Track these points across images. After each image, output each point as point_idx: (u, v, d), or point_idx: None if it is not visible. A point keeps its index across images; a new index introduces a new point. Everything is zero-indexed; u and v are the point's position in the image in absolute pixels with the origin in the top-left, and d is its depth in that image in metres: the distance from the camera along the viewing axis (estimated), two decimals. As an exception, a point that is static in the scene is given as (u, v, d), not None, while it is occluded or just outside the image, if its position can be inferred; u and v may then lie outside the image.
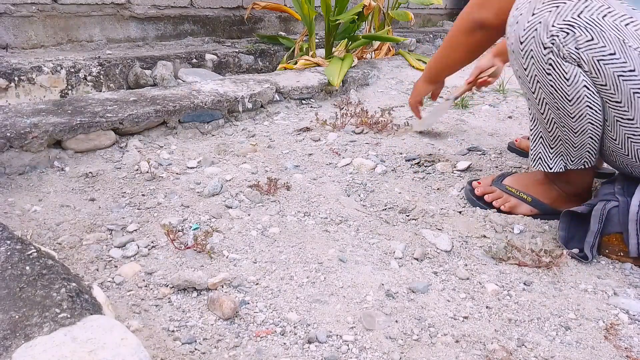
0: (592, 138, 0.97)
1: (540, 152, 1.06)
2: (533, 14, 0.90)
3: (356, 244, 1.00)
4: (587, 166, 1.03)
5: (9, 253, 0.74)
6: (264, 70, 2.75)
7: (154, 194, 1.17)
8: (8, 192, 1.13)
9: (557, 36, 0.88)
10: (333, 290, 0.85)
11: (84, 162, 1.31)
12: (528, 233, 1.05)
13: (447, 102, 1.68)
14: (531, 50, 0.92)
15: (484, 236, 1.04)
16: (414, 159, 1.42)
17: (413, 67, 2.66)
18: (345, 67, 2.22)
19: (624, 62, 0.86)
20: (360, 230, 1.06)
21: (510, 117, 1.94)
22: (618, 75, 0.87)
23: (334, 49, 2.61)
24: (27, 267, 0.71)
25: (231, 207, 1.12)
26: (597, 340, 0.75)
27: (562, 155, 1.03)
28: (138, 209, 1.10)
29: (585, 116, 0.94)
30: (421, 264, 0.94)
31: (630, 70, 0.86)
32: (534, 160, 1.08)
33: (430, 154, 1.47)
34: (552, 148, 1.04)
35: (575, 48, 0.87)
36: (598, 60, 0.87)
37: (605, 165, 1.36)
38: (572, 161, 1.03)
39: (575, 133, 0.97)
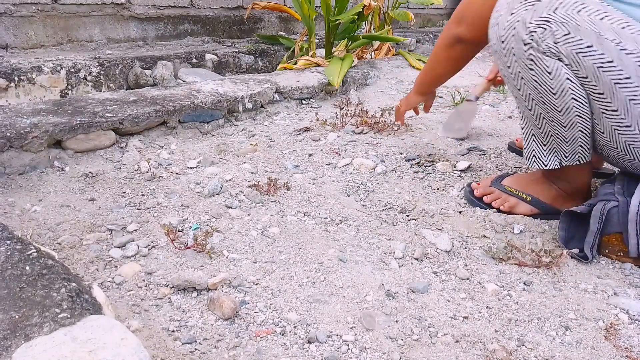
0: (582, 131, 0.98)
1: (534, 150, 1.08)
2: (511, 14, 0.94)
3: (356, 244, 1.00)
4: (582, 162, 1.04)
5: (9, 253, 0.74)
6: (264, 70, 2.75)
7: (154, 194, 1.17)
8: (8, 192, 1.13)
9: (535, 32, 0.91)
10: (333, 290, 0.85)
11: (84, 162, 1.31)
12: (528, 233, 1.05)
13: (471, 103, 1.65)
14: (512, 47, 0.95)
15: (484, 236, 1.04)
16: (414, 159, 1.42)
17: (413, 67, 2.66)
18: (345, 67, 2.22)
19: (601, 54, 0.88)
20: (360, 230, 1.06)
21: (510, 117, 1.94)
22: (597, 67, 0.89)
23: (334, 49, 2.61)
24: (27, 267, 0.71)
25: (231, 207, 1.12)
26: (597, 340, 0.75)
27: (555, 151, 1.04)
28: (138, 209, 1.10)
29: (571, 109, 0.95)
30: (421, 264, 0.94)
31: (609, 62, 0.88)
32: (529, 159, 1.09)
33: (430, 154, 1.47)
34: (545, 145, 1.05)
35: (554, 42, 0.90)
36: (577, 53, 0.90)
37: (605, 165, 1.36)
38: (567, 157, 1.03)
39: (565, 127, 0.98)
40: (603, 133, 0.97)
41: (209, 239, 0.97)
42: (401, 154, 1.48)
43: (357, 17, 2.43)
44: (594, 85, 0.91)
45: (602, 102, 0.92)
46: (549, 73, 0.93)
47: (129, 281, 0.85)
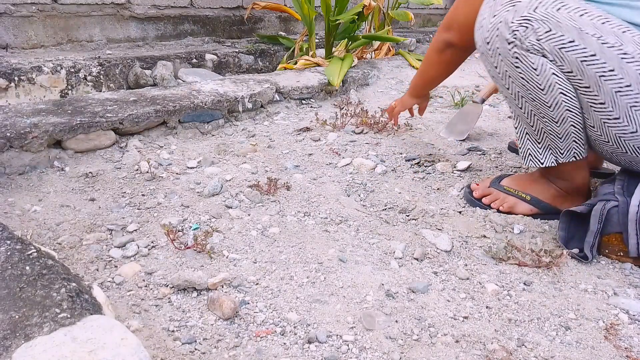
0: (574, 126, 1.00)
1: (529, 149, 1.09)
2: (494, 16, 0.97)
3: (356, 244, 1.00)
4: (578, 158, 1.04)
5: (9, 253, 0.74)
6: (264, 70, 2.75)
7: (154, 194, 1.17)
8: (8, 192, 1.13)
9: (517, 31, 0.94)
10: (333, 290, 0.85)
11: (84, 162, 1.31)
12: (528, 233, 1.05)
13: (476, 105, 1.65)
14: (497, 47, 0.98)
15: (484, 236, 1.04)
16: (414, 159, 1.42)
17: (413, 67, 2.66)
18: (345, 67, 2.22)
19: (584, 48, 0.91)
20: (360, 230, 1.06)
21: (510, 117, 1.94)
22: (581, 61, 0.91)
23: (334, 49, 2.61)
24: (27, 267, 0.71)
25: (231, 207, 1.12)
26: (597, 340, 0.75)
27: (550, 148, 1.05)
28: (138, 209, 1.10)
29: (561, 103, 0.97)
30: (421, 264, 0.94)
31: (592, 55, 0.90)
32: (525, 158, 1.10)
33: (430, 154, 1.47)
34: (539, 143, 1.06)
35: (536, 39, 0.93)
36: (560, 49, 0.92)
37: (604, 165, 1.36)
38: (562, 154, 1.04)
39: (557, 122, 1.00)
40: (594, 127, 0.98)
41: (209, 239, 0.97)
42: (401, 154, 1.48)
43: (357, 17, 2.43)
44: (579, 80, 0.93)
45: (589, 95, 0.94)
46: (535, 69, 0.95)
47: (129, 281, 0.85)
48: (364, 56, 2.81)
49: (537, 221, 1.09)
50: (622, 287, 0.88)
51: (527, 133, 1.08)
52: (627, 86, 0.90)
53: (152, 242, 0.97)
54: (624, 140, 0.95)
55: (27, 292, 0.66)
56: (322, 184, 1.27)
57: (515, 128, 1.11)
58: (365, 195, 1.22)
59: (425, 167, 1.39)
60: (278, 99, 1.91)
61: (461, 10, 1.18)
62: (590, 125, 0.99)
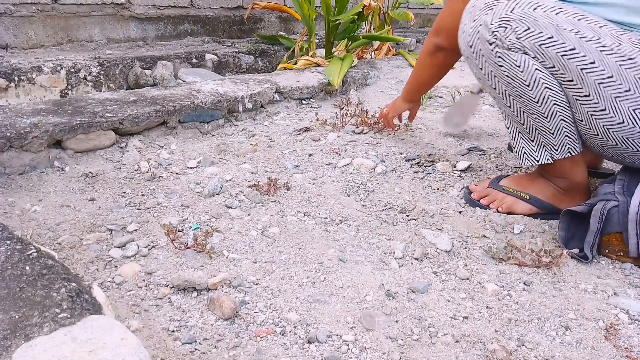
0: (564, 120, 1.01)
1: (523, 147, 1.10)
2: (474, 20, 1.02)
3: (356, 244, 1.00)
4: (573, 153, 1.05)
5: (9, 253, 0.74)
6: (264, 70, 2.75)
7: (154, 194, 1.17)
8: (8, 192, 1.13)
9: (497, 31, 0.98)
10: (333, 290, 0.85)
11: (84, 162, 1.31)
12: (528, 233, 1.05)
13: (473, 96, 1.64)
14: (480, 49, 1.02)
15: (484, 236, 1.04)
16: (414, 159, 1.42)
17: (413, 67, 2.65)
18: (345, 67, 2.22)
19: (563, 43, 0.94)
20: (360, 230, 1.06)
21: (510, 117, 1.93)
22: (562, 55, 0.94)
23: (334, 49, 2.61)
24: (27, 267, 0.71)
25: (231, 207, 1.12)
26: (597, 340, 0.75)
27: (544, 145, 1.06)
28: (138, 209, 1.10)
29: (548, 98, 0.99)
30: (421, 264, 0.94)
31: (572, 49, 0.93)
32: (520, 157, 1.11)
33: (430, 154, 1.47)
34: (532, 140, 1.07)
35: (516, 38, 0.96)
36: (540, 45, 0.95)
37: (604, 165, 1.36)
38: (557, 150, 1.05)
39: (546, 117, 1.01)
40: (582, 121, 1.00)
41: (209, 239, 0.97)
42: (401, 154, 1.48)
43: (357, 17, 2.43)
44: (562, 74, 0.96)
45: (574, 89, 0.96)
46: (518, 66, 0.98)
47: (129, 281, 0.85)
48: (364, 56, 2.81)
49: (537, 221, 1.09)
50: (622, 287, 0.88)
51: (519, 132, 1.09)
52: (609, 77, 0.92)
53: (152, 242, 0.97)
54: (612, 131, 0.97)
55: (27, 292, 0.66)
56: (322, 184, 1.27)
57: (507, 128, 1.12)
58: (365, 195, 1.22)
59: (425, 167, 1.39)
60: (278, 99, 1.91)
61: (448, 15, 1.23)
62: (579, 119, 1.00)
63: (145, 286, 0.84)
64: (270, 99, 1.87)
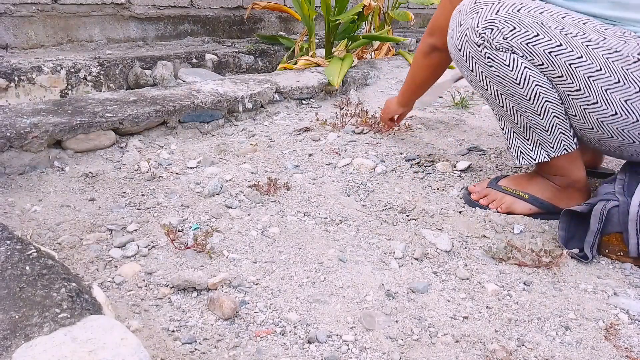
0: (557, 117, 1.02)
1: (519, 147, 1.10)
2: (461, 25, 1.04)
3: (356, 244, 1.00)
4: (569, 150, 1.05)
5: (9, 253, 0.74)
6: (264, 70, 2.75)
7: (154, 194, 1.17)
8: (8, 192, 1.13)
9: (484, 33, 1.00)
10: (333, 290, 0.85)
11: (84, 162, 1.31)
12: (528, 233, 1.05)
13: (448, 81, 1.66)
14: (469, 52, 1.03)
15: (484, 236, 1.04)
16: (414, 159, 1.42)
17: (413, 67, 2.65)
18: (345, 67, 2.22)
19: (549, 40, 0.96)
20: (360, 230, 1.06)
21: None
22: (549, 52, 0.96)
23: (334, 49, 2.61)
24: (27, 267, 0.71)
25: (231, 207, 1.12)
26: (597, 340, 0.75)
27: (540, 143, 1.06)
28: (138, 209, 1.10)
29: (539, 95, 1.00)
30: (421, 264, 0.94)
31: (558, 45, 0.95)
32: (517, 157, 1.11)
33: (430, 154, 1.47)
34: (527, 139, 1.08)
35: (503, 39, 0.98)
36: (527, 44, 0.97)
37: (604, 165, 1.36)
38: (553, 147, 1.05)
39: (539, 115, 1.02)
40: (576, 116, 1.01)
41: (209, 239, 0.97)
42: (401, 154, 1.48)
43: (357, 17, 2.43)
44: (551, 71, 0.97)
45: (564, 84, 0.97)
46: (508, 65, 1.00)
47: (129, 281, 0.85)
48: (364, 56, 2.81)
49: (537, 221, 1.09)
50: (622, 287, 0.88)
51: (514, 132, 1.09)
52: (598, 70, 0.94)
53: (152, 242, 0.97)
54: (606, 124, 0.97)
55: (27, 292, 0.66)
56: (322, 184, 1.27)
57: (502, 129, 1.12)
58: (365, 195, 1.22)
59: (425, 167, 1.39)
60: (278, 99, 1.91)
61: (440, 16, 1.25)
62: (572, 115, 1.01)
63: (145, 286, 0.84)
64: (270, 99, 1.87)
